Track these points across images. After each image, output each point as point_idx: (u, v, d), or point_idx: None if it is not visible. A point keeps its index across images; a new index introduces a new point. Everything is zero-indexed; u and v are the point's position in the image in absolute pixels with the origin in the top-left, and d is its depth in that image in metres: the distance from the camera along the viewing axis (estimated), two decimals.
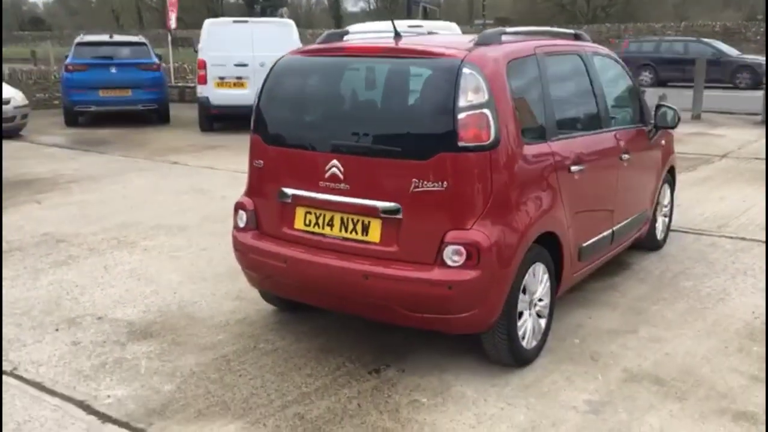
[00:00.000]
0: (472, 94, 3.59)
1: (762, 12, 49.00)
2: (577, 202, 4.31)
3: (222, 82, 12.81)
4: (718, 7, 55.69)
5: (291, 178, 4.03)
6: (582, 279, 4.85)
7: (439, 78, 3.67)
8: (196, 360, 4.14)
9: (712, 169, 9.68)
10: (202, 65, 12.85)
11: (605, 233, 4.80)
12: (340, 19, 64.07)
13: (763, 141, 11.91)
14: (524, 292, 3.92)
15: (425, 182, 3.61)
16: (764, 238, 6.38)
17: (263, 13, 64.60)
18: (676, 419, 3.49)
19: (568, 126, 4.41)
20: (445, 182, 3.59)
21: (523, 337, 3.96)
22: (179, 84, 19.59)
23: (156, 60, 14.33)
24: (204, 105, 13.01)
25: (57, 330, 4.57)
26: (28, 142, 12.49)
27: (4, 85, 13.30)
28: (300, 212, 4.02)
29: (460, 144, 3.57)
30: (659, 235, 6.07)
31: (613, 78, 5.17)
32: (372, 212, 3.76)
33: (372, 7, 73.31)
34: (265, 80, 4.26)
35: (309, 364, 4.09)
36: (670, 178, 6.20)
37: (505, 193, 3.69)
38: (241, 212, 4.28)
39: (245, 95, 12.11)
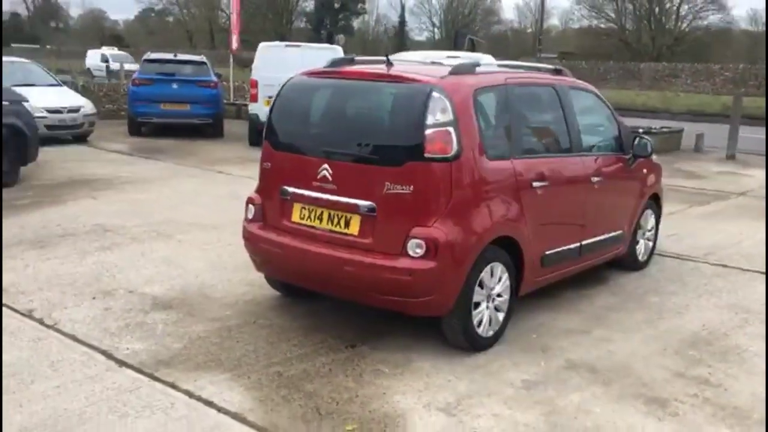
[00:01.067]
0: (439, 114, 4.29)
1: None
2: (539, 214, 4.94)
3: (271, 100, 13.68)
4: None
5: (291, 178, 4.78)
6: (551, 284, 5.46)
7: (413, 99, 4.38)
8: (203, 328, 4.90)
9: (725, 205, 10.08)
10: (254, 84, 13.81)
11: (572, 245, 5.39)
12: (404, 46, 65.32)
13: None
14: (481, 286, 4.56)
15: (396, 186, 4.32)
16: (747, 267, 6.85)
17: (329, 38, 66.51)
18: (595, 398, 4.08)
19: (533, 148, 5.08)
20: (412, 186, 4.29)
21: (479, 325, 4.59)
22: (237, 102, 20.69)
23: (214, 78, 15.41)
24: (253, 121, 13.94)
25: (94, 298, 5.40)
26: (93, 147, 13.63)
27: (76, 95, 14.59)
28: (297, 207, 4.77)
29: (426, 155, 4.26)
30: (641, 256, 6.61)
31: (589, 110, 5.80)
32: (353, 209, 4.48)
33: (437, 36, 74.81)
34: (277, 96, 5.05)
35: (297, 337, 4.80)
36: (655, 206, 6.74)
37: (463, 198, 4.36)
38: (251, 206, 5.05)
39: None
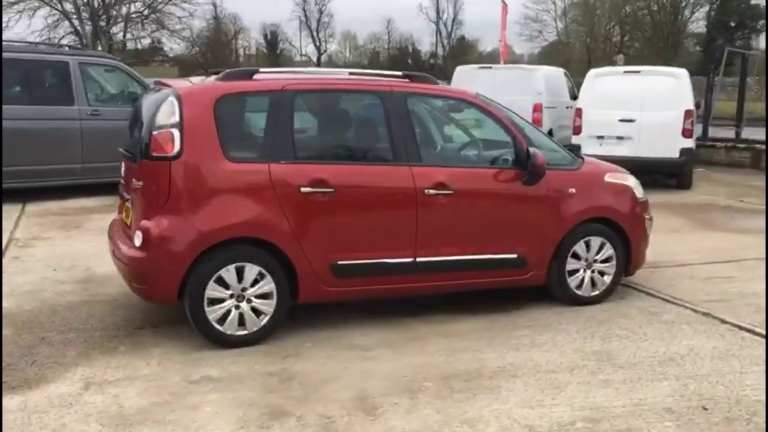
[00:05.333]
0: (167, 116, 4.64)
1: None
2: (322, 220, 4.85)
3: (599, 140, 11.95)
4: None
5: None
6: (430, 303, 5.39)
7: (156, 104, 4.79)
8: (74, 299, 5.80)
9: None
10: (579, 114, 12.39)
11: (397, 260, 5.07)
12: None
13: None
14: (223, 284, 4.70)
15: (137, 181, 4.78)
16: (733, 320, 5.46)
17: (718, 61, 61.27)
18: (231, 399, 4.04)
19: (314, 154, 4.99)
20: (142, 182, 4.71)
21: (221, 322, 4.73)
22: None
23: None
24: None
25: (54, 270, 6.67)
26: None
27: None
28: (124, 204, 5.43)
29: (152, 153, 4.64)
30: (581, 290, 5.73)
31: (456, 121, 5.36)
32: (126, 202, 5.03)
33: None
34: None
35: (118, 314, 5.42)
36: (612, 233, 5.75)
37: (184, 195, 4.61)
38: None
39: None
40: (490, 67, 14.53)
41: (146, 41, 40.24)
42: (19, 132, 9.85)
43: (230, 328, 4.77)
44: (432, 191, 5.10)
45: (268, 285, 4.80)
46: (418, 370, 4.48)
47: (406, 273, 5.16)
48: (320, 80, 5.24)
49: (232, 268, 4.71)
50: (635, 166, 11.91)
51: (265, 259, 4.78)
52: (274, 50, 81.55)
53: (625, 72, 12.49)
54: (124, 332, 5.10)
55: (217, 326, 4.74)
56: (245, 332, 4.81)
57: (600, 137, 11.90)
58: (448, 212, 5.18)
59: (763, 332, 5.15)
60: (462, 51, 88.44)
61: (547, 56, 78.81)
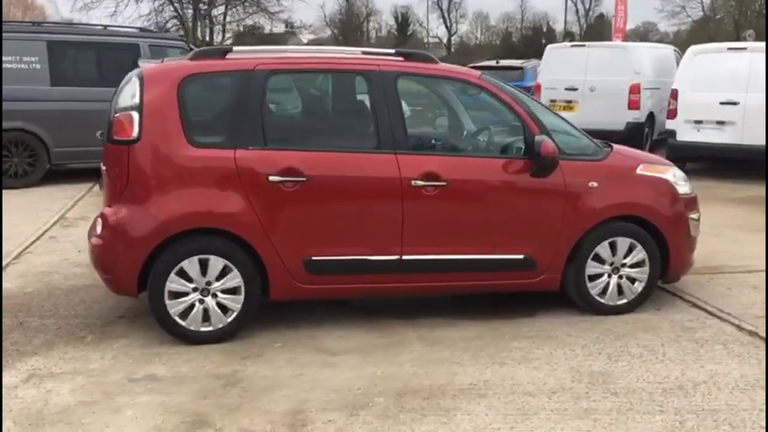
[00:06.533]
0: (129, 98, 4.40)
1: None
2: (291, 212, 4.48)
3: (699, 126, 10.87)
4: None
5: None
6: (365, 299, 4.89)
7: (123, 85, 4.54)
8: (74, 282, 5.76)
9: None
10: (674, 96, 11.12)
11: (379, 257, 4.62)
12: None
13: None
14: (185, 277, 4.42)
15: (103, 166, 4.58)
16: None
17: None
18: (161, 403, 3.77)
19: (286, 139, 4.58)
20: (105, 167, 4.51)
21: (183, 318, 4.47)
22: None
23: (529, 84, 15.22)
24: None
25: (79, 252, 6.67)
26: None
27: None
28: None
29: (113, 137, 4.42)
30: (605, 298, 5.03)
31: (456, 104, 4.84)
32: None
33: None
34: None
35: (107, 303, 5.28)
36: (644, 233, 5.00)
37: (144, 182, 4.36)
38: None
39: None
40: (584, 45, 13.53)
41: (247, 23, 41.15)
42: (92, 113, 10.03)
43: (193, 324, 4.49)
44: (420, 182, 4.59)
45: (234, 280, 4.49)
46: (377, 382, 4.03)
47: (390, 272, 4.69)
48: (297, 59, 4.80)
49: (194, 260, 4.43)
50: (738, 154, 10.88)
51: (231, 252, 4.46)
52: (404, 32, 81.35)
53: (729, 49, 11.16)
54: (103, 321, 4.95)
55: (180, 321, 4.48)
56: (210, 328, 4.52)
57: (698, 122, 10.75)
58: (439, 206, 4.65)
59: None
60: (599, 29, 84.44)
61: (693, 34, 73.71)
